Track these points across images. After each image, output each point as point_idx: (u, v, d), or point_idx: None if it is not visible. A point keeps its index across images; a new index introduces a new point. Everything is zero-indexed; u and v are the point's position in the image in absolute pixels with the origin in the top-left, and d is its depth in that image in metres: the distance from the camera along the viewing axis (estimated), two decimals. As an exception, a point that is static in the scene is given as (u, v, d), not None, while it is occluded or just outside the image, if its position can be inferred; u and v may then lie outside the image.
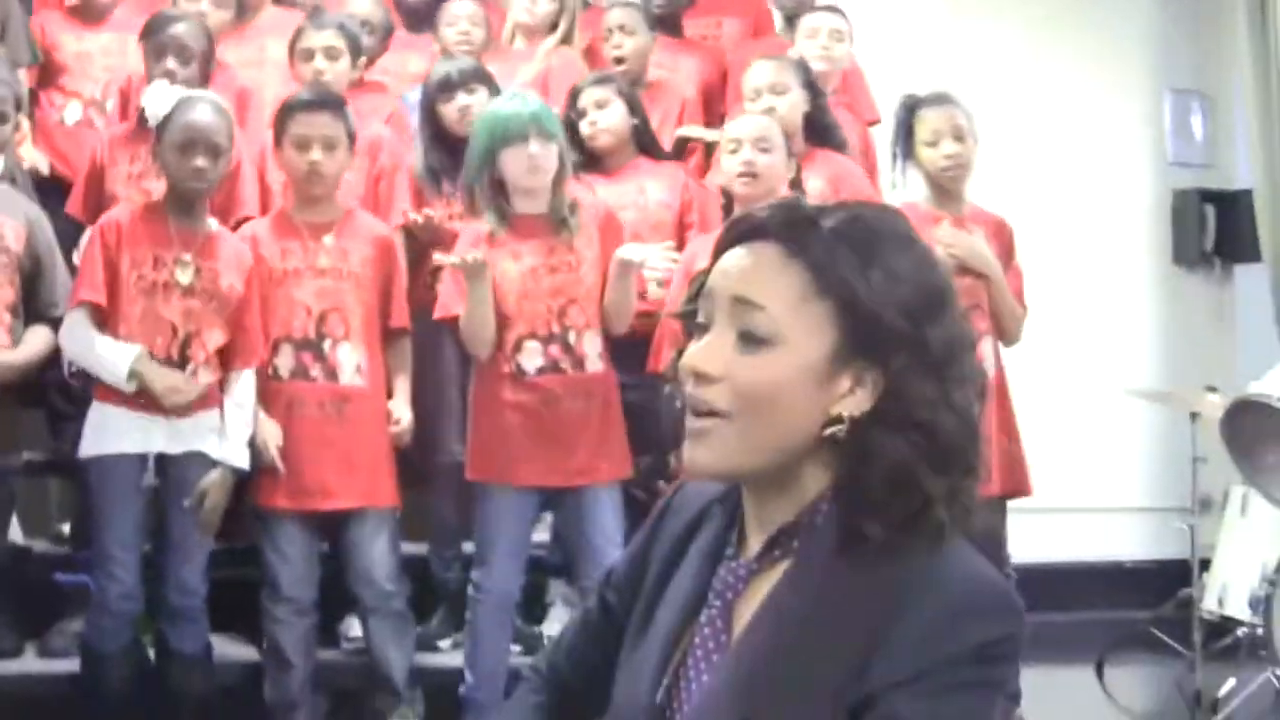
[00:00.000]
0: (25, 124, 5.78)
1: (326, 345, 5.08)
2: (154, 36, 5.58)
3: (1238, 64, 9.07)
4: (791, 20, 6.98)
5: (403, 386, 5.30)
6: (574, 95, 5.80)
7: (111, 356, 4.80)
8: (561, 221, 5.12)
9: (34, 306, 5.02)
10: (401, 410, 5.25)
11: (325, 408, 5.07)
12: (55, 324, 5.00)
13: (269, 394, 5.09)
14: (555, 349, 5.10)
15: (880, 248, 1.87)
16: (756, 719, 1.84)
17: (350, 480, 5.11)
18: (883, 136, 6.14)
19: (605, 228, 5.23)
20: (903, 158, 5.55)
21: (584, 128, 5.72)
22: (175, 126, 4.86)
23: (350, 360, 5.10)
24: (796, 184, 5.35)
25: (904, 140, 5.53)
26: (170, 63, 5.49)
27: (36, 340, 5.00)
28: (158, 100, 4.93)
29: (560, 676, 2.28)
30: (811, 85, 5.87)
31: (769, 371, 1.86)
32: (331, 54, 5.75)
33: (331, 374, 5.08)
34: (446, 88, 5.65)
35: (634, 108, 5.84)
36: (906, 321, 1.84)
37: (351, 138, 5.21)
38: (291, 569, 5.08)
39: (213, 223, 5.02)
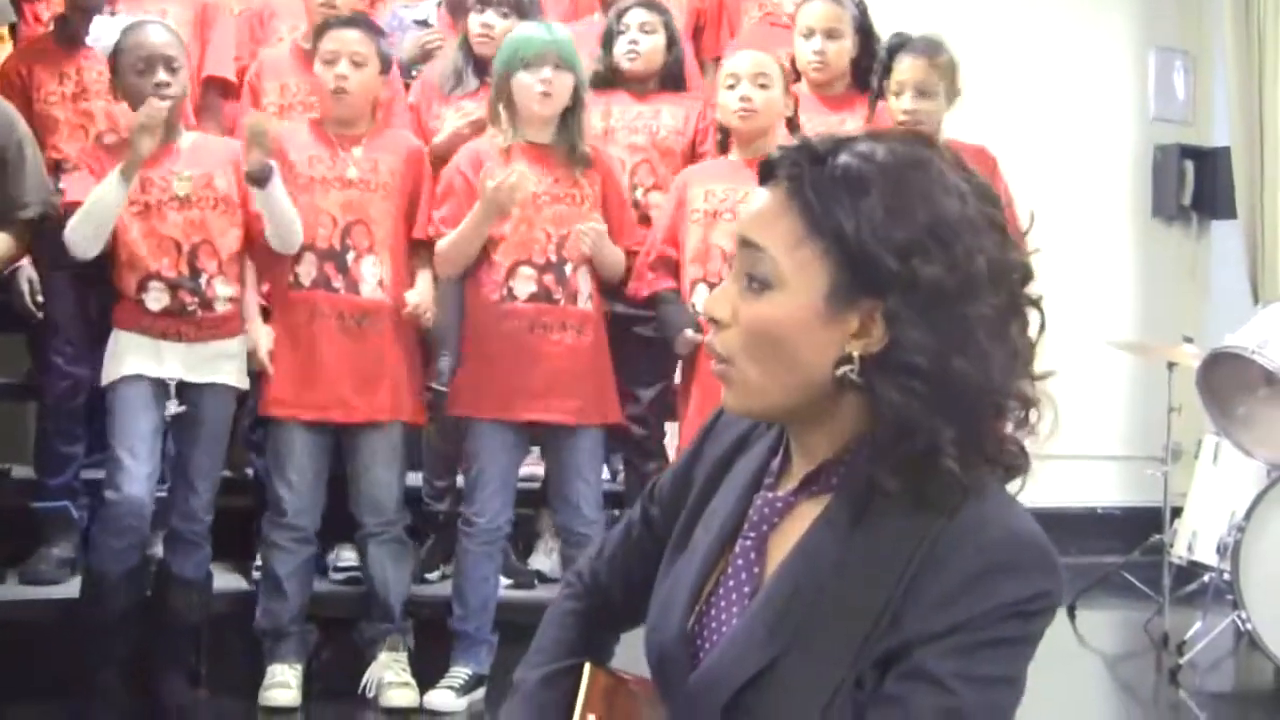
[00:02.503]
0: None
1: (350, 257, 5.08)
2: None
3: (1220, 23, 9.15)
4: None
5: (423, 280, 5.24)
6: (620, 11, 5.75)
7: (100, 187, 4.79)
8: (571, 153, 5.16)
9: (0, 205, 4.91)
10: (416, 297, 5.19)
11: (345, 319, 5.06)
12: (23, 225, 4.94)
13: (289, 301, 5.10)
14: (550, 278, 5.13)
15: (880, 182, 1.81)
16: (784, 660, 1.82)
17: (367, 394, 5.11)
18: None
19: (608, 178, 5.27)
20: (875, 97, 5.49)
21: (621, 44, 5.68)
22: (128, 52, 4.87)
23: (373, 273, 5.10)
24: (793, 122, 5.36)
25: (880, 80, 5.45)
26: None
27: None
28: (104, 31, 4.92)
29: (600, 585, 2.30)
30: (866, 30, 5.80)
31: (770, 313, 1.85)
32: None
33: (353, 286, 5.07)
34: (483, 2, 5.61)
35: (673, 42, 5.79)
36: (896, 259, 1.78)
37: (384, 61, 5.22)
38: (297, 496, 5.09)
39: (191, 134, 5.04)
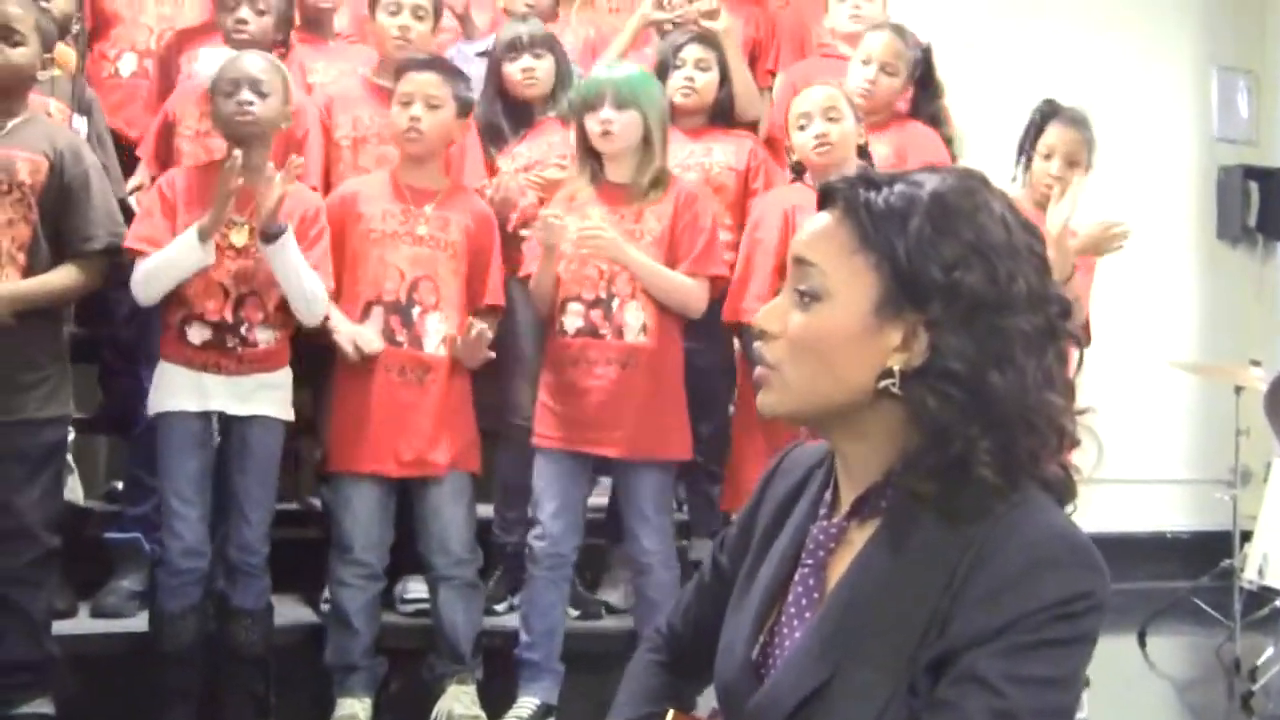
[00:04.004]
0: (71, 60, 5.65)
1: (415, 312, 5.07)
2: None
3: (1283, 43, 9.14)
4: None
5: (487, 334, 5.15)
6: (675, 47, 5.79)
7: (176, 247, 4.79)
8: (644, 191, 5.17)
9: (65, 238, 4.85)
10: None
11: (407, 373, 5.04)
12: (90, 258, 4.88)
13: None
14: (597, 314, 5.12)
15: (929, 205, 1.91)
16: (840, 675, 1.88)
17: (428, 448, 5.08)
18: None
19: (682, 207, 5.22)
20: (1026, 157, 5.60)
21: (676, 80, 5.71)
22: (221, 76, 4.90)
23: (437, 330, 5.09)
24: (864, 150, 5.36)
25: (1031, 141, 5.58)
26: (243, 11, 5.44)
27: (51, 275, 4.83)
28: (207, 63, 4.98)
29: (678, 636, 2.39)
30: (927, 73, 5.98)
31: (818, 323, 1.95)
32: (419, 13, 5.64)
33: (416, 341, 5.05)
34: (514, 48, 5.66)
35: (725, 78, 5.84)
36: (941, 271, 1.88)
37: (462, 104, 5.24)
38: (364, 533, 5.08)
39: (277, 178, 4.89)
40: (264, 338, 4.94)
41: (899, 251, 1.90)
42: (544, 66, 5.65)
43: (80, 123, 5.20)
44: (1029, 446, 1.89)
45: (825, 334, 1.94)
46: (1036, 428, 1.89)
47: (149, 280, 4.84)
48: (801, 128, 5.24)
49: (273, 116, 4.95)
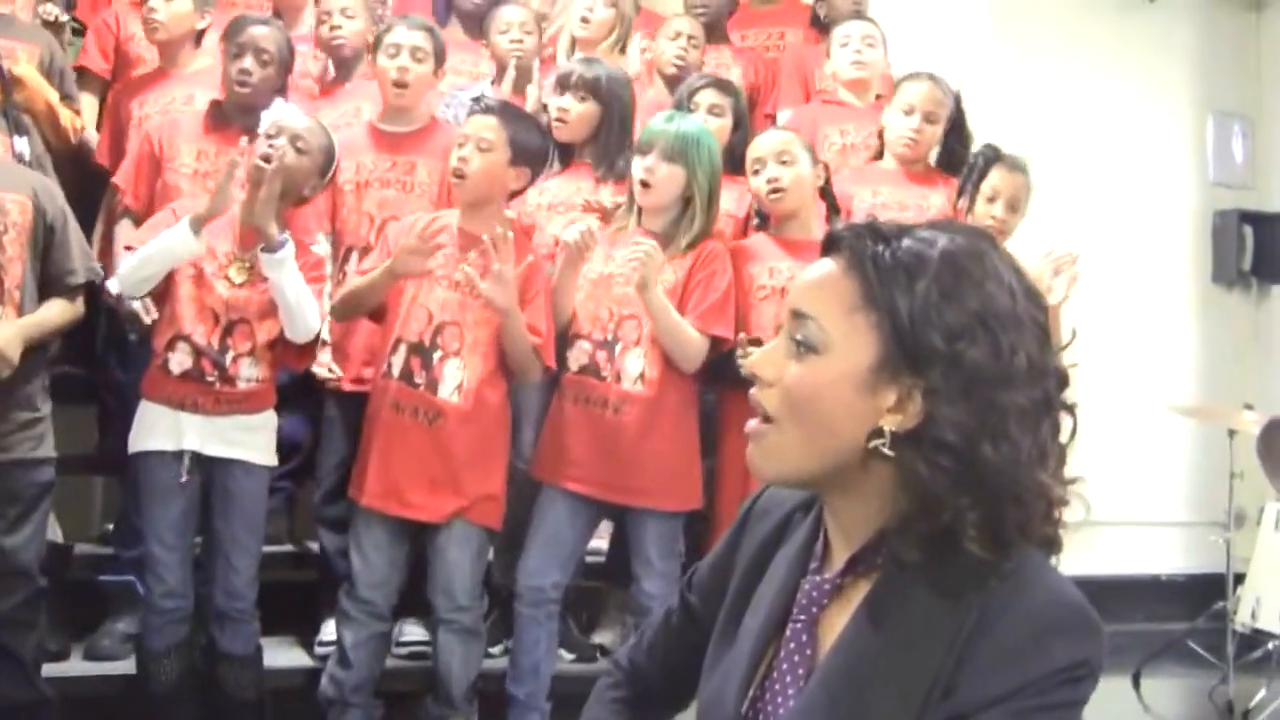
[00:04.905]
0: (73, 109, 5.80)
1: (435, 356, 5.02)
2: (234, 37, 5.50)
3: (1279, 87, 9.17)
4: (824, 30, 7.07)
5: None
6: (691, 91, 5.87)
7: (171, 231, 4.82)
8: (679, 247, 5.15)
9: (49, 274, 4.88)
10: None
11: (419, 416, 5.00)
12: (73, 291, 4.93)
13: (380, 390, 5.08)
14: (602, 355, 5.13)
15: (937, 267, 1.88)
16: None
17: (438, 494, 5.04)
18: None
19: (698, 264, 5.19)
20: (969, 198, 5.67)
21: None
22: (270, 124, 4.97)
23: (454, 376, 5.02)
24: (827, 190, 5.48)
25: (974, 183, 5.66)
26: (247, 62, 5.43)
27: (46, 310, 4.86)
28: (273, 113, 5.03)
29: (640, 672, 2.37)
30: (959, 119, 6.09)
31: (814, 376, 1.92)
32: (418, 55, 5.61)
33: (433, 385, 5.00)
34: (560, 85, 5.63)
35: (739, 123, 5.89)
36: (944, 340, 1.85)
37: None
38: (372, 571, 5.06)
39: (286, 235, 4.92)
40: (247, 374, 4.93)
41: (903, 314, 1.88)
42: (579, 109, 5.59)
43: (21, 143, 5.19)
44: (1017, 519, 1.87)
45: (820, 388, 1.92)
46: (1025, 502, 1.88)
47: (138, 266, 4.86)
48: (755, 172, 5.33)
49: (295, 174, 4.97)
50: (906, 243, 1.92)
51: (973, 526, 1.85)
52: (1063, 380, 1.97)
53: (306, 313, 4.90)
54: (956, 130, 6.07)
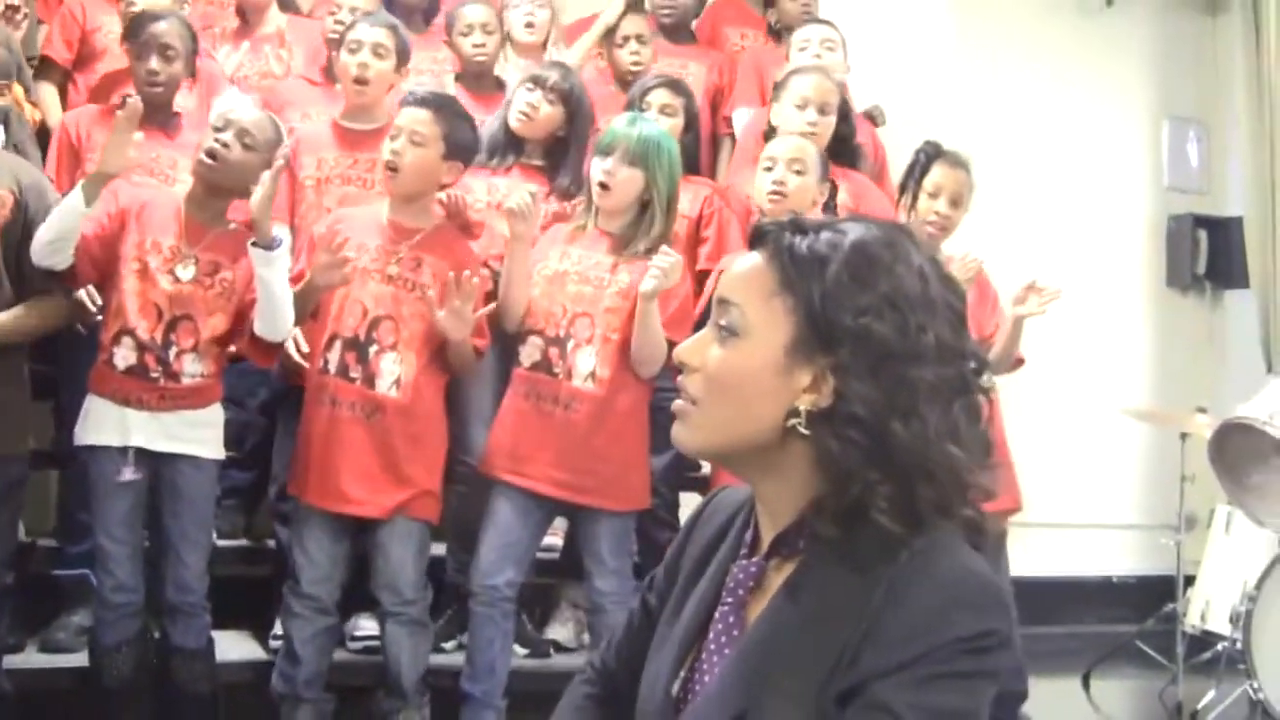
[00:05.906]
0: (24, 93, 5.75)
1: (372, 350, 5.01)
2: (135, 37, 5.46)
3: (1234, 93, 9.23)
4: (782, 35, 7.14)
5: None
6: (643, 90, 5.89)
7: (68, 199, 4.79)
8: (636, 250, 5.12)
9: (27, 273, 4.86)
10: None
11: (356, 410, 4.98)
12: (55, 293, 4.92)
13: (317, 385, 5.06)
14: (554, 351, 5.10)
15: (848, 253, 1.97)
16: (753, 709, 1.93)
17: (377, 489, 5.03)
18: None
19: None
20: (911, 195, 5.72)
21: None
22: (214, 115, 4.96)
23: (391, 371, 5.02)
24: (830, 206, 5.48)
25: (916, 180, 5.71)
26: (153, 61, 5.40)
27: (23, 309, 4.88)
28: (222, 103, 5.05)
29: (610, 672, 2.42)
30: (845, 109, 6.08)
31: (734, 360, 2.01)
32: (380, 52, 5.61)
33: (369, 380, 4.99)
34: (533, 82, 5.62)
35: (690, 124, 5.91)
36: (853, 319, 1.93)
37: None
38: (314, 568, 5.04)
39: (231, 224, 4.96)
40: (190, 370, 4.89)
41: (815, 296, 1.96)
42: (547, 112, 5.61)
43: None
44: (929, 496, 1.93)
45: (739, 370, 2.00)
46: (936, 478, 1.94)
47: (43, 231, 4.79)
48: (767, 169, 5.36)
49: (242, 169, 4.91)
50: (824, 234, 2.01)
51: (884, 499, 1.92)
52: (980, 364, 2.05)
53: (287, 312, 4.89)
54: (844, 119, 6.05)
